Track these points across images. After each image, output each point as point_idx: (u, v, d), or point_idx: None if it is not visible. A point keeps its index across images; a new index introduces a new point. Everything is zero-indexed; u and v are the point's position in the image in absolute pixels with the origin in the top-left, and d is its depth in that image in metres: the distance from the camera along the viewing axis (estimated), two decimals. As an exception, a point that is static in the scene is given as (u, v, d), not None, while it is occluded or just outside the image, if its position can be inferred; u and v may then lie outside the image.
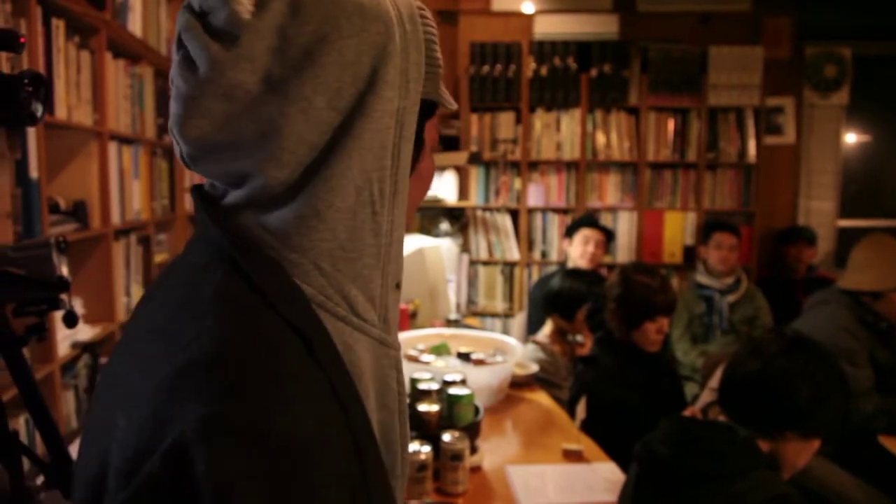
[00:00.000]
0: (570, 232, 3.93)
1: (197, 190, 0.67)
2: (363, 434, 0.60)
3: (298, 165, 0.60)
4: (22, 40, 1.19)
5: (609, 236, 3.92)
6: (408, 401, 0.74)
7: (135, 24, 2.83)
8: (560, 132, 4.45)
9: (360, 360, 0.64)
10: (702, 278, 3.97)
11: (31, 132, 1.94)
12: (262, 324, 0.57)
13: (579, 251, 3.81)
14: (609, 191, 4.50)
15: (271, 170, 0.59)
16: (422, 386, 2.00)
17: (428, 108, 0.70)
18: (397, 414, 0.69)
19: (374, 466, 0.60)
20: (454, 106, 0.74)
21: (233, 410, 0.50)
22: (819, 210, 4.77)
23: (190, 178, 3.79)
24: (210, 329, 0.55)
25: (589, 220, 3.98)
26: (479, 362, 2.46)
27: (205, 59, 0.57)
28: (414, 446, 1.74)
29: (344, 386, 0.59)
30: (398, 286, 0.69)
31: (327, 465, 0.53)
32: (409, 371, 2.16)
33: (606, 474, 1.93)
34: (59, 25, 2.14)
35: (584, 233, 3.83)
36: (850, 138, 4.92)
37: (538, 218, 4.53)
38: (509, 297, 4.56)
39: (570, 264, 3.89)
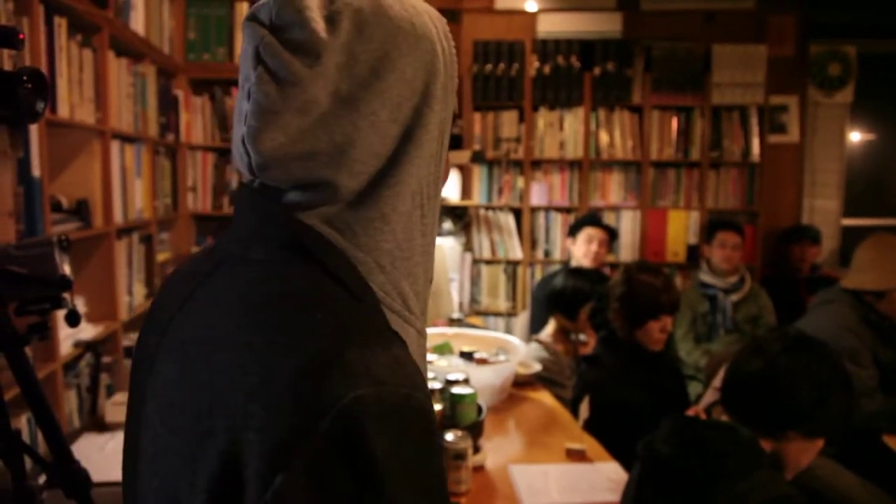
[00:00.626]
0: (573, 231, 3.93)
1: (250, 189, 0.68)
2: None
3: (367, 175, 0.64)
4: (20, 36, 1.19)
5: (612, 235, 3.92)
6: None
7: (137, 23, 2.83)
8: (563, 131, 4.44)
9: (412, 353, 0.67)
10: (705, 277, 3.96)
11: (34, 130, 1.94)
12: (362, 314, 0.62)
13: (583, 250, 3.81)
14: (612, 190, 4.49)
15: (344, 178, 0.63)
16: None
17: (452, 117, 0.74)
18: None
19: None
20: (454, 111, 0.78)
21: (378, 391, 0.54)
22: (823, 209, 4.75)
23: (192, 177, 3.79)
24: (323, 321, 0.59)
25: (592, 219, 3.98)
26: (482, 361, 2.46)
27: (288, 75, 0.61)
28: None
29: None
30: (430, 280, 0.74)
31: (438, 435, 0.60)
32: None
33: (609, 474, 1.93)
34: (61, 24, 2.14)
35: (587, 232, 3.83)
36: (855, 137, 4.91)
37: (541, 217, 4.52)
38: (512, 296, 4.55)
39: (574, 263, 3.89)
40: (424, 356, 0.73)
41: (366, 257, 0.65)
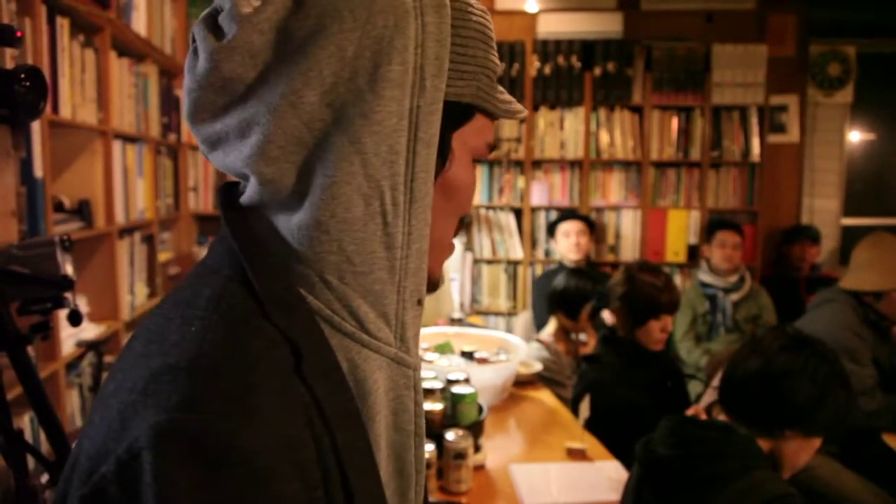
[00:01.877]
0: (550, 232, 4.11)
1: (223, 189, 0.66)
2: (358, 457, 0.57)
3: (288, 164, 0.57)
4: (18, 34, 1.19)
5: (590, 225, 4.04)
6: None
7: (139, 23, 2.84)
8: (564, 131, 4.45)
9: (368, 380, 0.61)
10: (705, 277, 3.97)
11: (36, 131, 1.94)
12: (249, 333, 0.55)
13: (564, 245, 3.97)
14: (613, 189, 4.50)
15: (259, 164, 0.57)
16: (426, 385, 2.00)
17: (462, 112, 0.64)
18: (413, 436, 0.66)
19: (365, 491, 0.57)
20: (515, 115, 0.68)
21: (188, 420, 0.48)
22: (823, 208, 4.75)
23: (194, 177, 3.80)
24: (192, 335, 0.53)
25: (566, 214, 4.13)
26: (483, 361, 2.46)
27: (203, 52, 0.56)
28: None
29: (337, 405, 0.57)
30: (420, 302, 0.65)
31: (281, 485, 0.49)
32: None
33: (610, 473, 1.93)
34: (63, 24, 2.14)
35: (562, 228, 3.99)
36: (855, 137, 4.91)
37: (542, 216, 4.52)
38: (513, 295, 4.56)
39: (564, 260, 3.95)
40: (410, 387, 0.65)
41: (306, 269, 0.59)
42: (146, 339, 0.57)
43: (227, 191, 0.65)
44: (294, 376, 0.55)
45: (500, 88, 0.68)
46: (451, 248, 0.71)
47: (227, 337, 0.54)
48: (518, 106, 0.69)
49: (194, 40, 0.58)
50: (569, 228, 3.95)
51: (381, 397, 0.62)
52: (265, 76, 0.56)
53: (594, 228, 4.13)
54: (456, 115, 0.63)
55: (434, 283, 0.69)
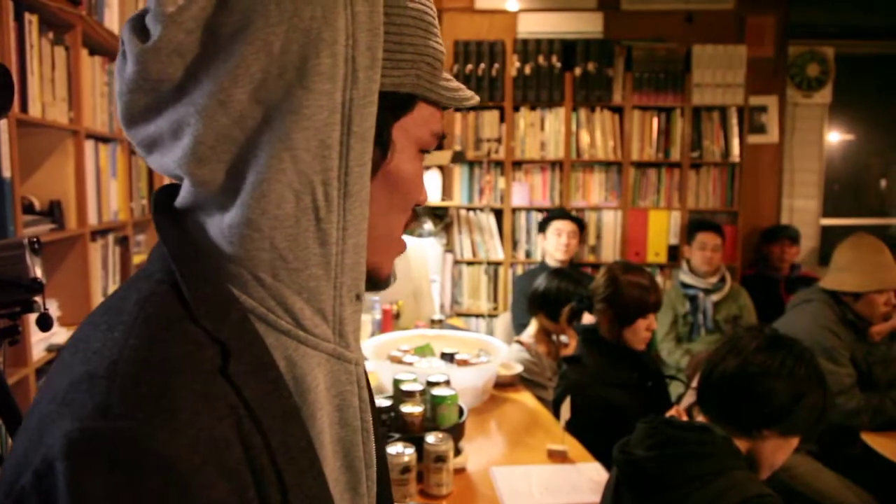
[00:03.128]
0: (542, 227, 4.04)
1: (160, 192, 0.65)
2: (298, 454, 0.56)
3: (220, 163, 0.56)
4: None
5: (581, 227, 4.02)
6: (380, 412, 0.70)
7: (112, 21, 2.79)
8: (544, 131, 4.44)
9: (307, 377, 0.60)
10: (686, 278, 3.98)
11: (3, 130, 1.90)
12: (172, 337, 0.53)
13: (554, 243, 3.93)
14: (593, 190, 4.50)
15: (191, 165, 0.56)
16: (405, 387, 1.98)
17: (401, 102, 0.63)
18: (360, 431, 0.65)
19: (304, 488, 0.56)
20: (463, 103, 0.67)
21: (101, 428, 0.47)
22: (802, 209, 4.79)
23: (169, 178, 3.74)
24: (114, 340, 0.52)
25: (559, 212, 4.09)
26: (464, 363, 2.44)
27: (130, 55, 0.55)
28: (397, 448, 1.71)
29: (273, 404, 0.56)
30: (359, 297, 0.63)
31: (198, 492, 0.47)
32: (392, 372, 2.14)
33: (591, 474, 1.92)
34: (32, 20, 2.09)
35: (555, 225, 3.94)
36: (833, 137, 4.95)
37: (522, 217, 4.52)
38: (494, 297, 4.54)
39: (549, 259, 3.94)
40: (353, 382, 0.64)
41: (238, 269, 0.58)
42: (73, 349, 0.56)
43: (164, 194, 0.64)
44: (219, 377, 0.53)
45: (446, 76, 0.66)
46: (400, 242, 0.70)
47: (147, 342, 0.52)
48: (467, 93, 0.68)
49: (123, 43, 0.57)
50: (561, 227, 3.93)
51: (321, 394, 0.61)
52: (193, 75, 0.55)
53: (583, 231, 4.12)
54: (395, 105, 0.62)
55: (385, 279, 0.69)
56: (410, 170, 0.66)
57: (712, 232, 4.00)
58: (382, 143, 0.62)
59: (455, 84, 0.67)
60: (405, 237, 0.71)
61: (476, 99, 0.69)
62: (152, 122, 0.57)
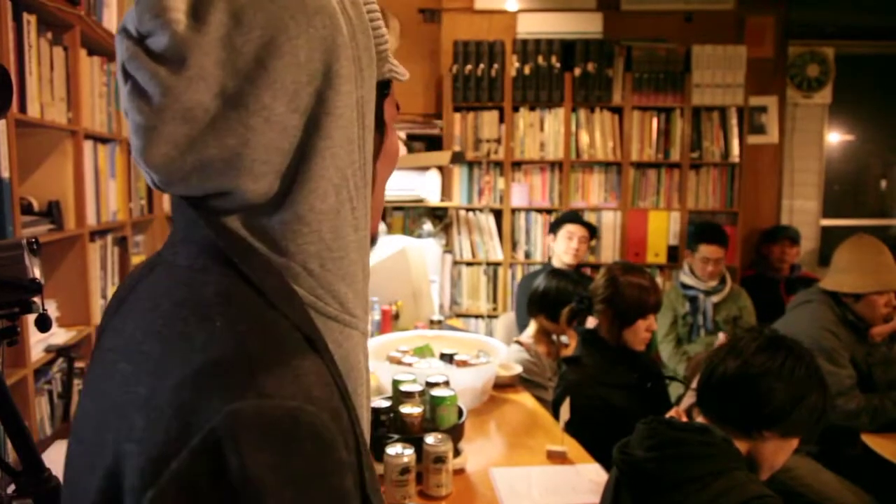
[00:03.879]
0: (554, 228, 3.95)
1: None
2: (358, 427, 0.61)
3: (274, 174, 0.60)
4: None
5: (592, 232, 3.93)
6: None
7: (110, 21, 2.78)
8: (544, 131, 4.44)
9: (350, 356, 0.65)
10: (686, 278, 3.96)
11: (2, 130, 1.89)
12: (269, 322, 0.57)
13: (563, 246, 3.85)
14: (593, 190, 4.50)
15: (247, 183, 0.59)
16: (404, 388, 1.98)
17: (382, 88, 0.69)
18: (365, 387, 0.70)
19: (367, 457, 0.61)
20: (406, 76, 0.73)
21: (258, 405, 0.51)
22: (802, 209, 4.79)
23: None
24: (221, 329, 0.55)
25: (573, 216, 3.99)
26: (463, 363, 2.44)
27: (156, 87, 0.55)
28: (397, 449, 1.71)
29: (341, 382, 0.61)
30: (368, 276, 0.70)
31: (340, 453, 0.54)
32: (391, 373, 2.13)
33: (591, 475, 1.91)
34: (30, 21, 2.09)
35: (567, 228, 3.85)
36: (833, 138, 4.95)
37: (522, 218, 4.51)
38: (493, 297, 4.54)
39: (555, 260, 3.90)
40: (367, 357, 0.70)
41: (288, 262, 0.61)
42: (154, 342, 0.57)
43: (181, 197, 0.64)
44: (317, 357, 0.58)
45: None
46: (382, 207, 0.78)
47: (256, 328, 0.56)
48: (402, 68, 0.74)
49: (129, 75, 0.57)
50: (573, 231, 3.82)
51: (362, 372, 0.67)
52: (232, 98, 0.56)
53: (594, 237, 4.02)
54: (382, 92, 0.69)
55: (375, 242, 0.75)
56: (396, 142, 0.75)
57: (716, 245, 3.84)
58: (381, 129, 0.70)
59: (394, 60, 0.74)
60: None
61: (407, 74, 0.75)
62: (189, 153, 0.57)
